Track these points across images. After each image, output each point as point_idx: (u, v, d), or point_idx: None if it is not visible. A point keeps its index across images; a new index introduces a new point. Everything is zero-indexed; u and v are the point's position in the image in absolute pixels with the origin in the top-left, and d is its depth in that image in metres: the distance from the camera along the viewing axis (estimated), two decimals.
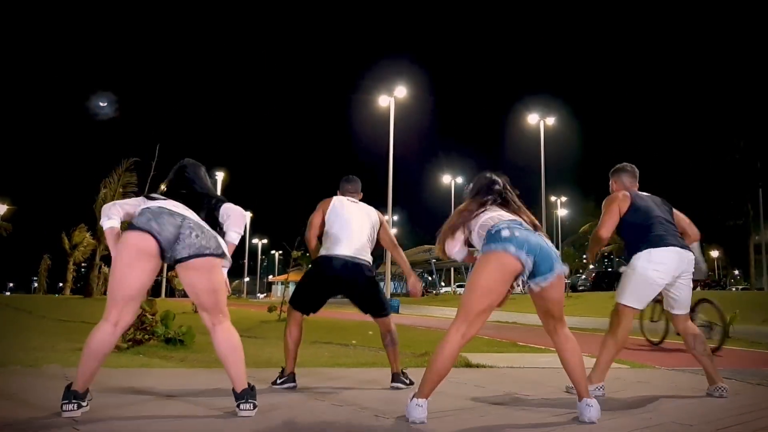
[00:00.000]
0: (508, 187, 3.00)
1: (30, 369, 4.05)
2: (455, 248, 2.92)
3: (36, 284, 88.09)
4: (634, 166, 4.06)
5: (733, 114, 43.75)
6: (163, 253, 2.53)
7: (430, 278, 54.16)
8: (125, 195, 22.35)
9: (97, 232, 22.51)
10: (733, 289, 43.13)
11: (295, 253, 11.97)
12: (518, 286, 2.80)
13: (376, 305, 3.81)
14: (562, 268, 2.66)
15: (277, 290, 50.25)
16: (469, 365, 4.88)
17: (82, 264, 32.59)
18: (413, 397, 2.56)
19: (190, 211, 2.64)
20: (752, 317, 16.05)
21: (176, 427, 2.38)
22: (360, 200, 4.00)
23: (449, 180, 44.41)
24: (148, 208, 2.60)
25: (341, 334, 8.31)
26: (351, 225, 3.74)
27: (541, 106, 32.26)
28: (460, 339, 2.63)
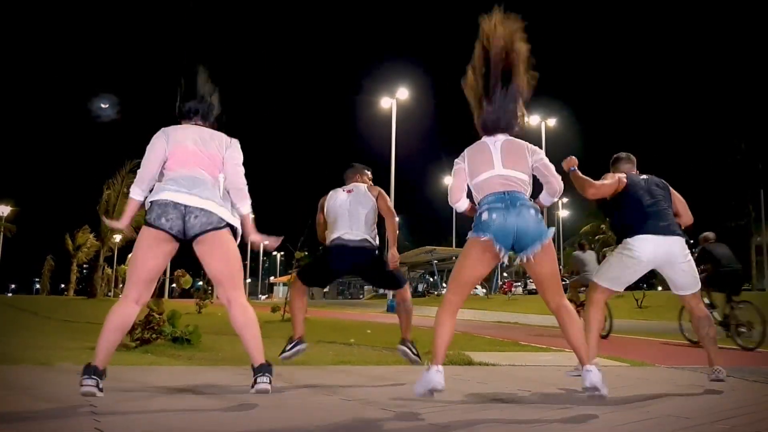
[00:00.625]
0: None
1: (43, 367, 4.14)
2: (458, 198, 3.14)
3: (38, 285, 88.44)
4: (630, 154, 4.22)
5: (734, 116, 43.78)
6: (176, 237, 2.76)
7: (431, 279, 54.21)
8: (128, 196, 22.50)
9: (100, 234, 22.66)
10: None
11: (298, 254, 12.07)
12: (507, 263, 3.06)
13: (387, 280, 4.00)
14: (543, 241, 2.82)
15: (279, 291, 50.29)
16: (471, 363, 4.96)
17: (84, 265, 32.74)
18: (430, 366, 2.80)
19: (200, 173, 2.83)
20: (752, 317, 16.13)
21: (192, 419, 2.47)
22: (363, 181, 4.12)
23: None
24: (156, 201, 2.77)
25: (344, 334, 8.41)
26: (345, 210, 3.88)
27: (542, 108, 32.34)
28: (455, 304, 2.97)
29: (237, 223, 2.91)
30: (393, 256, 3.98)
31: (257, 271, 73.68)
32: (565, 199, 50.17)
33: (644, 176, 4.05)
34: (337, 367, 4.59)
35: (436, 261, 43.90)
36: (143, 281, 2.76)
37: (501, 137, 3.09)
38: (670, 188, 4.04)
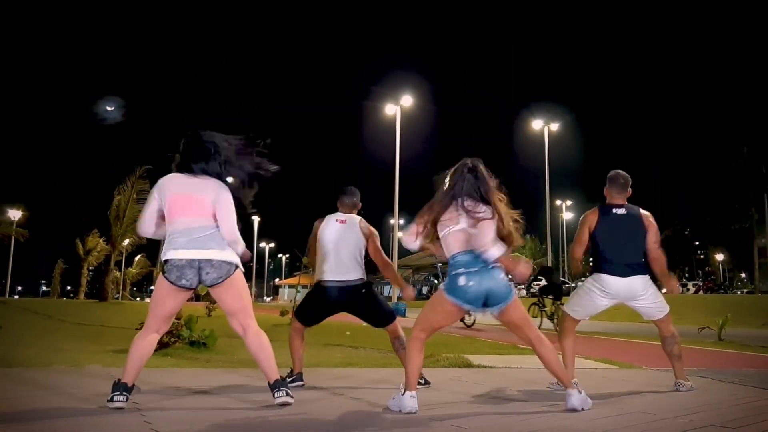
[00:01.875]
0: (483, 181, 3.19)
1: (74, 369, 4.50)
2: (411, 240, 3.29)
3: (44, 287, 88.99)
4: (626, 175, 4.18)
5: (737, 120, 44.04)
6: (192, 288, 3.11)
7: (436, 281, 54.59)
8: (138, 202, 22.92)
9: (111, 238, 23.10)
10: (738, 292, 43.18)
11: (305, 260, 12.40)
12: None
13: (377, 317, 4.10)
14: (509, 300, 3.08)
15: (284, 293, 50.59)
16: (470, 366, 5.30)
17: (89, 268, 33.23)
18: (404, 390, 3.02)
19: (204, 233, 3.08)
20: (751, 321, 16.36)
21: (223, 415, 2.83)
22: (358, 212, 4.23)
23: None
24: (171, 262, 3.04)
25: (351, 337, 8.75)
26: (337, 247, 4.00)
27: (546, 112, 32.60)
28: (422, 340, 3.20)
29: (238, 260, 3.19)
30: (409, 294, 4.24)
31: (263, 273, 74.19)
32: (569, 202, 50.40)
33: (621, 210, 4.08)
34: (345, 369, 4.95)
35: (440, 264, 44.22)
36: (163, 317, 3.12)
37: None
38: (646, 221, 4.07)
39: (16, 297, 36.29)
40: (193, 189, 3.11)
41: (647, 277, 4.04)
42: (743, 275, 60.95)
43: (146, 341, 3.08)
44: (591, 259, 4.36)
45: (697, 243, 63.53)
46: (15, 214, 31.12)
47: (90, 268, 32.12)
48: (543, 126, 31.16)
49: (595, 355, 6.52)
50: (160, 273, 3.14)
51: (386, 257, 4.15)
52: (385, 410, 3.05)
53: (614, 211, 4.07)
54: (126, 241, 24.93)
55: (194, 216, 3.07)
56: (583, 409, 3.02)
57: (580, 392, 3.08)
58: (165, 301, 3.09)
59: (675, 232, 55.93)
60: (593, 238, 4.07)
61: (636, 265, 3.99)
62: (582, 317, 4.17)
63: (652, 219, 4.10)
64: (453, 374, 4.73)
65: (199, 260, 3.04)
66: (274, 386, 3.07)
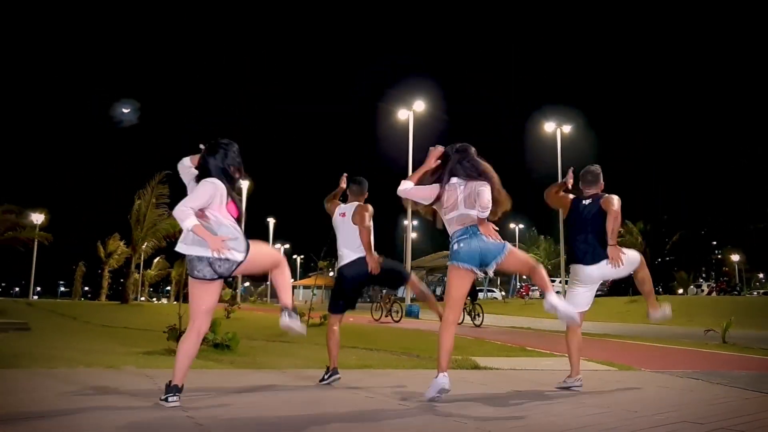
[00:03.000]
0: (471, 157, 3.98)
1: (111, 370, 4.88)
2: (404, 185, 4.01)
3: (62, 288, 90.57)
4: (595, 170, 4.58)
5: (752, 120, 43.78)
6: (213, 279, 3.40)
7: None
8: (158, 206, 23.52)
9: (132, 242, 23.71)
10: (754, 293, 42.89)
11: (321, 263, 12.83)
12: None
13: (393, 279, 4.83)
14: (504, 252, 3.76)
15: (299, 294, 50.96)
16: (477, 367, 5.64)
17: (110, 270, 33.99)
18: (438, 373, 3.64)
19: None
20: (763, 323, 16.45)
21: (256, 411, 3.23)
22: (365, 200, 4.71)
23: None
24: (187, 257, 3.41)
25: (366, 340, 9.11)
26: (343, 234, 4.60)
27: (559, 114, 32.80)
28: (452, 321, 3.85)
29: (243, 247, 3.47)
30: (370, 261, 4.51)
31: None
32: (586, 201, 50.27)
33: (587, 201, 4.47)
34: (360, 370, 5.33)
35: None
36: (199, 313, 3.44)
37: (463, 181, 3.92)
38: (604, 204, 4.33)
39: (35, 297, 37.17)
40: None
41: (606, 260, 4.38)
42: (761, 276, 60.47)
43: (190, 344, 3.42)
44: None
45: (715, 243, 63.16)
46: (38, 218, 31.96)
47: (110, 270, 32.89)
48: (555, 128, 31.35)
49: (598, 357, 6.83)
50: None
51: (367, 223, 4.51)
52: (399, 404, 3.43)
53: (582, 201, 4.52)
54: (145, 244, 25.49)
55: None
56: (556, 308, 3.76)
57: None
58: (194, 295, 3.42)
59: (691, 232, 55.64)
60: (566, 229, 4.57)
61: (598, 251, 4.31)
62: (584, 309, 4.49)
63: (611, 200, 4.30)
64: (460, 375, 5.09)
65: (210, 257, 3.31)
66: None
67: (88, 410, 3.11)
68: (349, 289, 4.63)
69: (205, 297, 3.42)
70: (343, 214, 4.63)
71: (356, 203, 4.63)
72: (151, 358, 5.93)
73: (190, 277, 3.43)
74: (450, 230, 3.92)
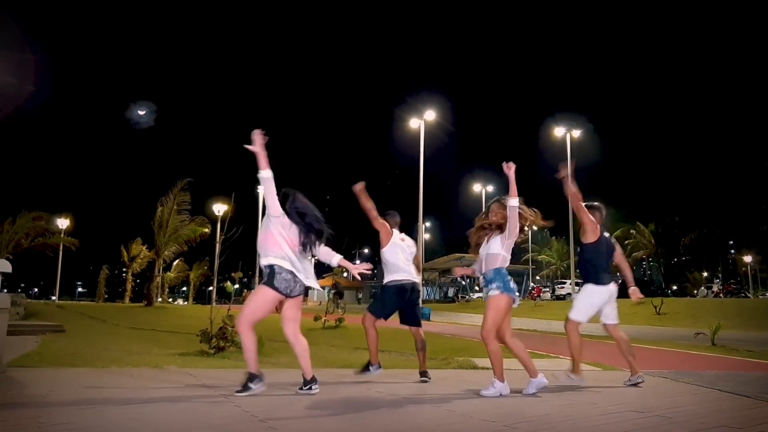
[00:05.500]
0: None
1: (155, 369, 5.53)
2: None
3: (80, 289, 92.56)
4: (602, 206, 5.53)
5: (765, 121, 43.82)
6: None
7: (463, 282, 55.39)
8: (179, 213, 24.48)
9: (155, 247, 24.67)
10: (763, 296, 42.92)
11: (336, 270, 13.61)
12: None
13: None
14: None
15: (313, 295, 51.68)
16: (475, 368, 6.36)
17: (133, 274, 35.12)
18: (495, 380, 4.51)
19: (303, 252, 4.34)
20: (765, 324, 16.89)
21: (288, 405, 3.99)
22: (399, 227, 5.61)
23: (480, 189, 45.79)
24: (281, 274, 4.24)
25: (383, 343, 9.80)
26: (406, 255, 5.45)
27: (570, 119, 33.21)
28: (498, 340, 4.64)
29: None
30: (354, 272, 5.09)
31: None
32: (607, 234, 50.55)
33: (607, 234, 5.47)
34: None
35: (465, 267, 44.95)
36: (259, 319, 4.32)
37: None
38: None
39: (53, 298, 38.39)
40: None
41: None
42: None
43: (304, 339, 4.41)
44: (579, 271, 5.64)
45: (731, 242, 63.05)
46: (63, 223, 33.12)
47: (134, 273, 34.01)
48: (565, 133, 31.86)
49: (589, 358, 7.49)
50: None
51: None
52: (413, 399, 4.18)
53: (605, 233, 5.52)
54: (168, 249, 26.43)
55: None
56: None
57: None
58: (265, 306, 4.30)
59: (706, 232, 55.63)
60: (594, 250, 5.37)
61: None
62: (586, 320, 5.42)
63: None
64: (456, 375, 5.82)
65: (298, 278, 4.36)
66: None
67: (151, 401, 3.85)
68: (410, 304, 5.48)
69: (270, 308, 4.32)
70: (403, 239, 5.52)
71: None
72: (188, 358, 6.64)
73: (272, 293, 4.25)
74: (488, 265, 4.64)
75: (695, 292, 45.89)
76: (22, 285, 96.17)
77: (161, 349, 7.91)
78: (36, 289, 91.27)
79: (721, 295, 35.78)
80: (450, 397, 4.40)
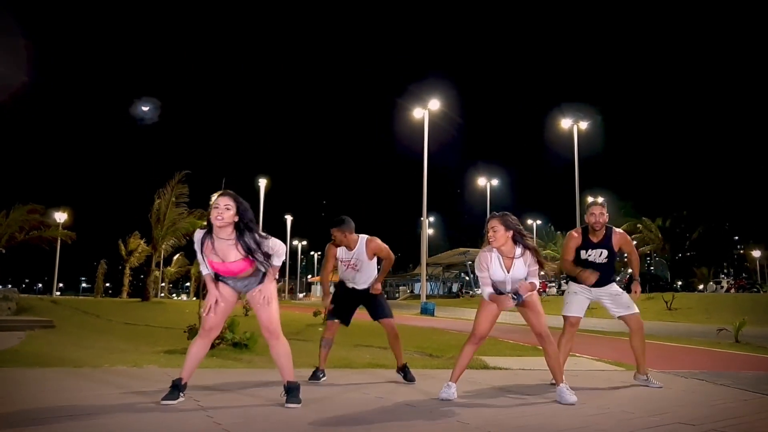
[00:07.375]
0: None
1: (133, 369, 5.04)
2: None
3: (84, 284, 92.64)
4: (601, 202, 5.20)
5: None
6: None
7: (467, 278, 54.91)
8: (177, 206, 23.93)
9: (152, 240, 24.16)
10: None
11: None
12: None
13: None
14: None
15: (317, 290, 51.50)
16: (486, 368, 5.81)
17: (131, 268, 34.64)
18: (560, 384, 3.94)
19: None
20: None
21: (274, 410, 3.43)
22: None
23: (485, 182, 45.18)
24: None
25: (382, 338, 9.29)
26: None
27: (577, 110, 32.64)
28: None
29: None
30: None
31: (296, 270, 75.37)
32: (600, 199, 50.06)
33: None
34: (373, 370, 5.52)
35: (469, 262, 44.54)
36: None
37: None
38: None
39: (58, 294, 38.09)
40: None
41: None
42: None
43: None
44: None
45: (737, 238, 62.38)
46: (61, 217, 32.65)
47: (131, 268, 33.52)
48: (572, 125, 31.24)
49: (608, 357, 6.95)
50: None
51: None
52: (408, 405, 3.62)
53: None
54: (165, 243, 25.95)
55: None
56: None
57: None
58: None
59: (713, 227, 54.99)
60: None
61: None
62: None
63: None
64: (468, 375, 5.24)
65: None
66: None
67: (111, 410, 3.30)
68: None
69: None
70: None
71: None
72: (173, 357, 6.13)
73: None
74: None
75: (701, 287, 45.32)
76: (27, 280, 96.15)
77: (149, 346, 7.52)
78: (40, 285, 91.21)
79: (732, 290, 35.17)
80: (456, 400, 3.83)
